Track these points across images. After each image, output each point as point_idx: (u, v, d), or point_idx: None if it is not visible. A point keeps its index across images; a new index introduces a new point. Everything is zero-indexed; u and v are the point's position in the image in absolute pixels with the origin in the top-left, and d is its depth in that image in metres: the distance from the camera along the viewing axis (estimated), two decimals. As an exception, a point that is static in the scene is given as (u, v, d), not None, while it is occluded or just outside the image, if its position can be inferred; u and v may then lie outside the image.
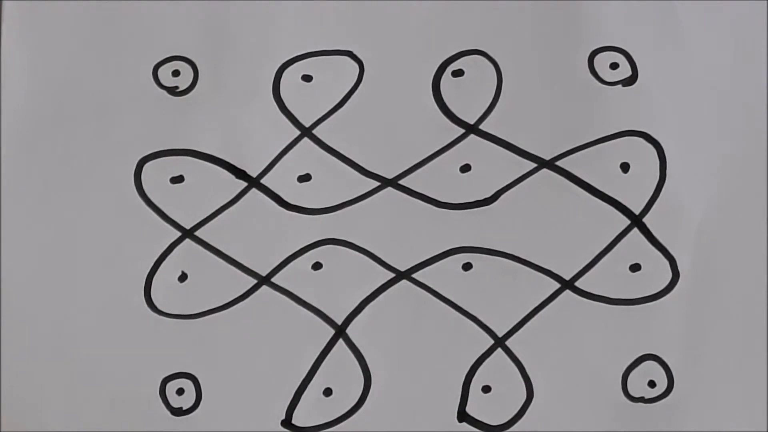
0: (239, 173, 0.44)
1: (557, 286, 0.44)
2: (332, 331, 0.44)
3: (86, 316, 0.43)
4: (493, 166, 0.44)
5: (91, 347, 0.43)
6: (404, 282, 0.44)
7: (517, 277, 0.44)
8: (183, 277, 0.44)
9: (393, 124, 0.45)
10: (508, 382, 0.43)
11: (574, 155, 0.44)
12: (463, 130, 0.45)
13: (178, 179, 0.44)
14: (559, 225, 0.44)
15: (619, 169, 0.44)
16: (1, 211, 0.44)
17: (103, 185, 0.44)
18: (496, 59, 0.45)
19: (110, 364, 0.43)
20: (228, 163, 0.45)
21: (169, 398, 0.43)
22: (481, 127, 0.45)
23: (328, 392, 0.43)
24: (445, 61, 0.45)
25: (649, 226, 0.44)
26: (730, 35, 0.45)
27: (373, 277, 0.44)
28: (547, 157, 0.44)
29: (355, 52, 0.45)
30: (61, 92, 0.45)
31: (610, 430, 0.43)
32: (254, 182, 0.44)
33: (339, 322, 0.44)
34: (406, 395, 0.43)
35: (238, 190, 0.44)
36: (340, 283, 0.44)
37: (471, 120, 0.45)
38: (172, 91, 0.45)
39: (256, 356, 0.43)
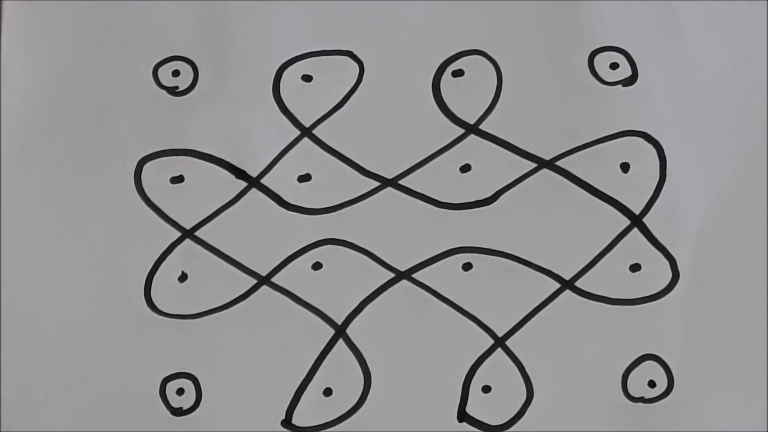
0: (239, 173, 0.44)
1: (557, 286, 0.44)
2: (332, 331, 0.44)
3: (86, 316, 0.43)
4: (493, 166, 0.44)
5: (91, 347, 0.43)
6: (404, 282, 0.44)
7: (517, 277, 0.44)
8: (183, 277, 0.44)
9: (393, 124, 0.45)
10: (508, 382, 0.43)
11: (573, 155, 0.44)
12: (463, 130, 0.45)
13: (178, 179, 0.44)
14: (559, 225, 0.44)
15: (619, 169, 0.44)
16: (1, 211, 0.44)
17: (103, 185, 0.44)
18: (496, 59, 0.45)
19: (110, 364, 0.43)
20: (228, 163, 0.45)
21: (169, 398, 0.43)
22: (481, 127, 0.45)
23: (328, 392, 0.43)
24: (445, 61, 0.45)
25: (649, 226, 0.44)
26: (730, 35, 0.45)
27: (373, 277, 0.44)
28: (547, 157, 0.44)
29: (355, 52, 0.45)
30: (61, 92, 0.45)
31: (610, 430, 0.43)
32: (254, 182, 0.44)
33: (339, 322, 0.44)
34: (406, 395, 0.43)
35: (238, 190, 0.44)
36: (340, 283, 0.44)
37: (471, 120, 0.45)
38: (172, 91, 0.45)
39: (256, 356, 0.43)
